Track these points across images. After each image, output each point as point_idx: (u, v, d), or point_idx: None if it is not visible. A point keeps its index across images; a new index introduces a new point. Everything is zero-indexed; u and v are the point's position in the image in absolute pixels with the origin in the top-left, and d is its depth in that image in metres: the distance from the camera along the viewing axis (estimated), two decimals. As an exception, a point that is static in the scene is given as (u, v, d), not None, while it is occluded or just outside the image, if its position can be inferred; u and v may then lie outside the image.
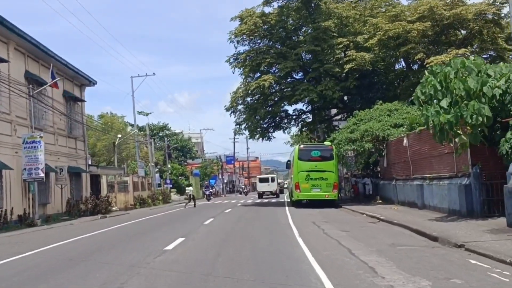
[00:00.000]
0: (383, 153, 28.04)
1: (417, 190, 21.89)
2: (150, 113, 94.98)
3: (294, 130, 50.51)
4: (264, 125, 38.73)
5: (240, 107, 35.35)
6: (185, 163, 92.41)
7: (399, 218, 18.28)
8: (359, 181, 35.03)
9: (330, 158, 29.72)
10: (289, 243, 12.75)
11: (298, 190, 29.69)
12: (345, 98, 36.15)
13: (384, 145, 27.94)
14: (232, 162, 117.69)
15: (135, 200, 41.00)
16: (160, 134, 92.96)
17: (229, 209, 30.07)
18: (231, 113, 35.12)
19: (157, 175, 55.55)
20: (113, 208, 38.56)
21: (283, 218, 21.81)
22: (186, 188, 42.41)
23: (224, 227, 17.65)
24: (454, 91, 15.25)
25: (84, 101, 32.68)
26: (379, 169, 32.79)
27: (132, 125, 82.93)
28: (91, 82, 32.98)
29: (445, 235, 12.75)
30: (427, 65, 27.58)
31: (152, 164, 51.75)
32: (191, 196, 37.74)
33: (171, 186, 65.09)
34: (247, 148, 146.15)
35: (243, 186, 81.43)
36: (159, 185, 61.75)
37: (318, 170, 29.50)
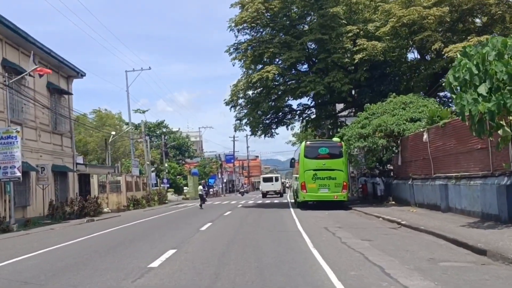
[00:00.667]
0: (397, 150, 25.60)
1: (440, 191, 19.44)
2: (147, 110, 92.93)
3: (298, 126, 48.26)
4: (267, 121, 36.30)
5: (241, 101, 32.93)
6: (183, 162, 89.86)
7: (424, 224, 15.86)
8: (369, 180, 32.58)
9: (339, 155, 27.29)
10: (304, 258, 10.29)
11: (304, 191, 27.26)
12: (354, 92, 33.67)
13: (399, 142, 25.51)
14: (232, 161, 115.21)
15: (128, 201, 38.55)
16: (157, 132, 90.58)
17: (228, 211, 27.63)
18: (231, 107, 32.68)
19: (153, 174, 53.10)
20: (105, 210, 36.15)
21: (290, 222, 19.36)
22: (198, 188, 39.81)
23: (223, 235, 15.19)
24: (495, 75, 12.82)
25: (71, 93, 30.18)
26: (390, 167, 30.35)
27: (127, 123, 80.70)
28: (79, 74, 30.50)
29: (494, 248, 10.31)
30: (445, 54, 25.17)
31: (148, 162, 49.31)
32: (202, 196, 35.70)
33: (168, 186, 62.66)
34: (247, 147, 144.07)
35: (244, 186, 78.95)
36: (155, 185, 59.35)
37: (326, 168, 27.08)
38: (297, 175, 29.91)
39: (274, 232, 15.54)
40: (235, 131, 34.14)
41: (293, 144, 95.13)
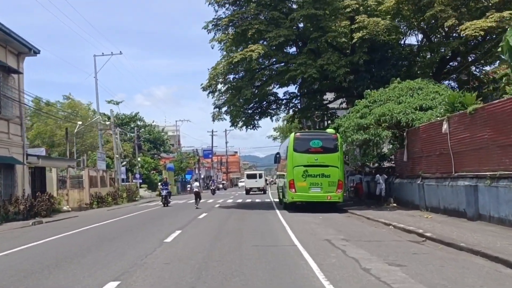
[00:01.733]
0: (404, 144, 21.87)
1: (467, 194, 15.69)
2: (121, 102, 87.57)
3: (284, 117, 44.35)
4: (249, 111, 32.30)
5: (220, 86, 28.81)
6: (159, 157, 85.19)
7: (459, 237, 12.10)
8: (364, 179, 28.84)
9: (333, 149, 23.48)
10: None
11: (293, 190, 23.37)
12: (347, 80, 29.84)
13: (404, 134, 21.77)
14: (210, 156, 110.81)
15: (91, 198, 34.16)
16: (132, 125, 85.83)
17: (204, 214, 23.53)
18: (209, 93, 28.48)
19: (123, 169, 48.64)
20: (64, 208, 31.81)
21: (280, 231, 15.39)
22: (193, 184, 34.23)
23: (192, 254, 11.09)
24: None
25: (20, 73, 25.68)
26: (390, 165, 26.67)
27: (100, 114, 76.03)
28: (32, 50, 26.02)
29: None
30: (462, 33, 21.46)
31: (117, 156, 44.83)
32: (197, 194, 30.68)
33: (140, 181, 58.26)
34: (226, 142, 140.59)
35: (214, 182, 74.59)
36: (126, 180, 54.89)
37: (318, 164, 23.26)
38: (284, 172, 26.02)
39: (264, 249, 11.53)
40: (213, 120, 30.08)
41: (274, 139, 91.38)
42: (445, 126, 17.09)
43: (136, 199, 44.24)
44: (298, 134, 24.33)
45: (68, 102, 58.39)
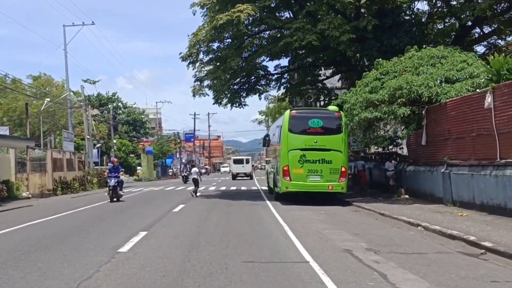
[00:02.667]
0: (422, 124, 18.16)
1: (521, 187, 12.03)
2: (98, 81, 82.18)
3: (271, 99, 40.48)
4: (235, 86, 28.35)
5: (202, 55, 24.71)
6: (138, 140, 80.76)
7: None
8: (369, 165, 25.20)
9: (336, 130, 19.72)
10: None
11: (288, 178, 19.57)
12: (352, 51, 25.96)
13: (423, 112, 18.06)
14: (192, 140, 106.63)
15: (55, 183, 30.01)
16: (109, 106, 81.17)
17: (180, 206, 19.52)
18: (189, 63, 24.42)
19: (95, 151, 44.38)
20: (23, 194, 27.81)
21: (280, 235, 11.52)
22: (191, 168, 27.71)
23: (151, 285, 7.21)
24: None
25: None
26: (399, 149, 23.08)
27: (75, 93, 71.61)
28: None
29: None
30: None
31: (88, 137, 40.56)
32: (196, 181, 25.46)
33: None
34: (209, 126, 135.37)
35: (187, 167, 70.90)
36: (99, 163, 50.72)
37: (318, 148, 19.49)
38: (275, 157, 22.21)
39: (263, 270, 7.67)
40: (194, 95, 25.91)
41: (260, 122, 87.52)
42: (488, 99, 13.36)
43: (109, 184, 40.02)
44: (294, 111, 20.42)
45: (37, 76, 53.96)
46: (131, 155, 73.60)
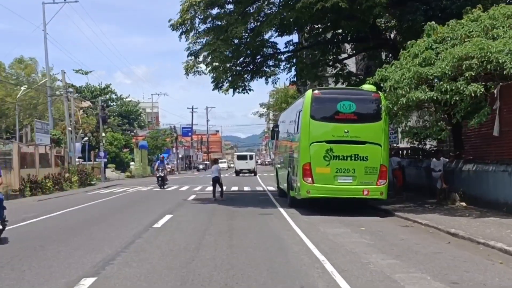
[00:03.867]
0: (494, 107, 13.34)
1: None
2: (90, 71, 76.81)
3: (284, 78, 35.53)
4: (238, 68, 23.48)
5: (198, 23, 19.79)
6: (132, 134, 75.71)
7: None
8: (406, 164, 20.37)
9: (374, 117, 14.97)
10: None
11: (309, 180, 14.75)
12: (379, 27, 21.12)
13: (495, 91, 13.24)
14: (190, 134, 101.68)
15: (22, 183, 25.17)
16: (102, 98, 76.12)
17: (166, 217, 14.43)
18: (181, 34, 19.52)
19: (78, 144, 39.44)
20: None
21: (322, 281, 6.71)
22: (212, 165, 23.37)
23: None
24: None
25: None
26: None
27: (70, 85, 66.85)
28: None
29: None
30: None
31: (69, 128, 35.67)
32: (217, 180, 20.52)
33: (105, 160, 49.22)
34: (207, 120, 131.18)
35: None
36: (86, 159, 45.93)
37: (350, 140, 14.75)
38: (290, 152, 17.34)
39: None
40: (186, 74, 20.78)
41: (261, 115, 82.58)
42: None
43: (93, 182, 35.12)
44: (318, 92, 15.46)
45: (19, 59, 49.09)
46: (125, 150, 68.85)
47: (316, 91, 15.40)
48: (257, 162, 65.19)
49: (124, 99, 78.95)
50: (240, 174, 51.86)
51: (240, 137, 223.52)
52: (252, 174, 51.12)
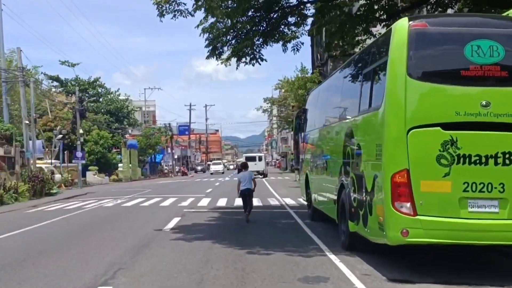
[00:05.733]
0: None
1: None
2: (78, 64, 68.73)
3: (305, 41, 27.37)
4: (245, 27, 15.60)
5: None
6: (122, 132, 67.42)
7: None
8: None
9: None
10: None
11: (408, 206, 6.86)
12: None
13: None
14: (187, 132, 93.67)
15: None
16: (90, 93, 68.20)
17: (115, 276, 6.79)
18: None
19: (39, 142, 31.48)
20: None
21: None
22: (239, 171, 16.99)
23: None
24: None
25: None
26: None
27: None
28: None
29: None
30: None
31: (26, 122, 27.70)
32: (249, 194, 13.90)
33: (83, 161, 41.35)
34: (206, 119, 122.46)
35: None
36: (61, 161, 38.13)
37: (492, 123, 6.86)
38: (353, 149, 9.19)
39: None
40: (160, 14, 12.93)
41: (264, 111, 74.45)
42: None
43: (53, 191, 27.02)
44: (422, 23, 7.51)
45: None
46: (115, 150, 61.03)
47: (417, 22, 7.42)
48: (268, 163, 62.35)
49: (113, 94, 70.95)
50: None
51: (240, 138, 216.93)
52: (262, 176, 48.47)
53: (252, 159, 52.64)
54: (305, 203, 15.00)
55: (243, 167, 15.35)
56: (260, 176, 48.11)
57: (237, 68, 16.87)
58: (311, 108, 14.39)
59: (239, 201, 19.86)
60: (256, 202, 20.12)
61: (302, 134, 15.14)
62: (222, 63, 16.31)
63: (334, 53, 20.70)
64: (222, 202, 19.69)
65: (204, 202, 19.83)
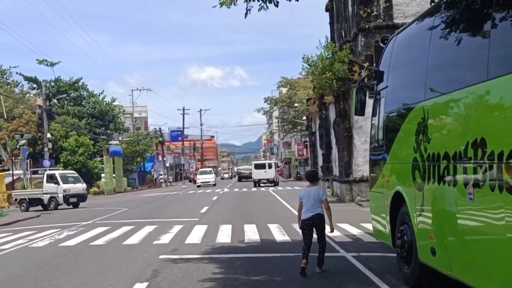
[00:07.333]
0: None
1: None
2: (57, 63, 61.19)
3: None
4: None
5: None
6: (107, 138, 59.66)
7: None
8: None
9: None
10: None
11: None
12: None
13: None
14: (180, 138, 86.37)
15: None
16: (72, 95, 60.76)
17: None
18: None
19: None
20: None
21: None
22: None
23: None
24: None
25: None
26: None
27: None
28: None
29: None
30: None
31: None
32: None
33: (48, 168, 33.87)
34: (201, 124, 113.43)
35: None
36: (27, 170, 30.83)
37: None
38: None
39: None
40: None
41: (265, 113, 67.74)
42: None
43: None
44: None
45: None
46: (100, 158, 53.61)
47: None
48: (278, 170, 59.18)
49: (97, 96, 63.45)
50: (260, 184, 47.48)
51: (236, 145, 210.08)
52: (272, 185, 46.78)
53: (261, 166, 50.81)
54: (384, 242, 7.97)
55: (309, 178, 8.57)
56: (271, 184, 46.47)
57: (247, 12, 10.02)
58: (407, 66, 7.24)
59: (251, 233, 12.55)
60: (277, 231, 12.91)
61: (379, 117, 8.02)
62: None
63: (367, 25, 18.97)
64: (225, 234, 12.41)
65: (197, 234, 12.56)
